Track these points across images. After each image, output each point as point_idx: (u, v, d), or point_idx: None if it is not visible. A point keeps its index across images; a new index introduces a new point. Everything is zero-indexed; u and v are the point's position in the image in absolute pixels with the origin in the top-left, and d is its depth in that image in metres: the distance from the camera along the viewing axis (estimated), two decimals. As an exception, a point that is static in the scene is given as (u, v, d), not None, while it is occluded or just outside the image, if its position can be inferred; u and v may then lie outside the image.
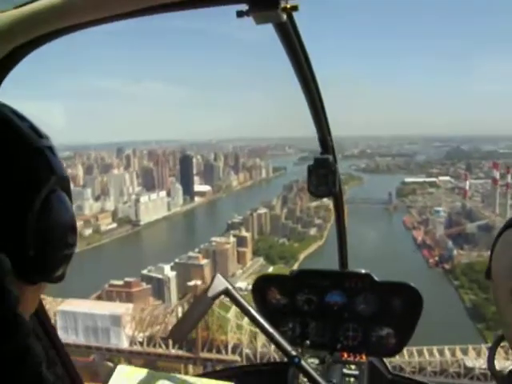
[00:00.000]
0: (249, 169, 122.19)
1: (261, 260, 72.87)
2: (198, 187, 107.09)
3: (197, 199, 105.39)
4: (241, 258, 73.35)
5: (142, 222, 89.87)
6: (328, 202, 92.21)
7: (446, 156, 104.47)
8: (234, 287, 2.10)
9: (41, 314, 1.71)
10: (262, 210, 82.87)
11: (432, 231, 77.63)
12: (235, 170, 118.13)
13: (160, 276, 59.14)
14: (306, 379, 2.31)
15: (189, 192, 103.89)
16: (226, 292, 2.06)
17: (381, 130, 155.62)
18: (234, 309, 36.99)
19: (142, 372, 1.86)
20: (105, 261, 72.92)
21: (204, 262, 63.70)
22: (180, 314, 42.05)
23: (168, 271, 60.38)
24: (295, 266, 58.45)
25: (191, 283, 53.89)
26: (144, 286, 53.28)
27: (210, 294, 2.03)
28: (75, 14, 1.31)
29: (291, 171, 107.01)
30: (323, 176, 2.55)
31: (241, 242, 73.95)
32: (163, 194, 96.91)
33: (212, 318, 41.52)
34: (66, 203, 0.98)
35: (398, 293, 2.76)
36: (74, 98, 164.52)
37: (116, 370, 1.86)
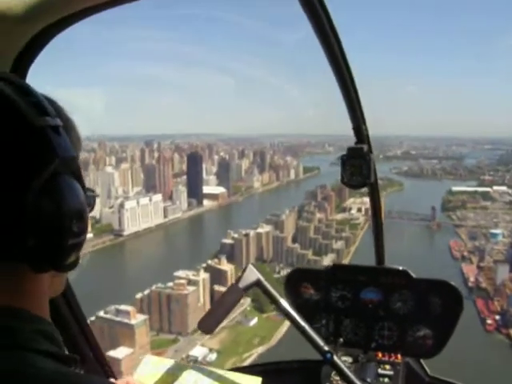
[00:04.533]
0: (275, 168, 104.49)
1: (246, 304, 51.03)
2: (210, 189, 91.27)
3: (208, 203, 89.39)
4: (214, 303, 52.90)
5: (125, 232, 74.55)
6: (357, 215, 74.13)
7: (500, 161, 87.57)
8: (265, 279, 1.98)
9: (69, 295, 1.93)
10: (264, 229, 63.98)
11: (489, 268, 55.86)
12: (261, 169, 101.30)
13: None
14: (338, 378, 2.34)
15: (196, 195, 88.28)
16: (258, 283, 1.95)
17: (427, 130, 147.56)
18: None
19: (169, 362, 1.84)
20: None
21: (137, 320, 42.71)
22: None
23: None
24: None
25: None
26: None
27: (242, 284, 1.92)
28: None
29: (326, 171, 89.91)
30: (358, 166, 2.45)
31: (218, 277, 52.80)
32: (158, 197, 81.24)
33: None
34: (71, 188, 0.88)
35: (437, 291, 2.64)
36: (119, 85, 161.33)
37: (143, 360, 1.84)
